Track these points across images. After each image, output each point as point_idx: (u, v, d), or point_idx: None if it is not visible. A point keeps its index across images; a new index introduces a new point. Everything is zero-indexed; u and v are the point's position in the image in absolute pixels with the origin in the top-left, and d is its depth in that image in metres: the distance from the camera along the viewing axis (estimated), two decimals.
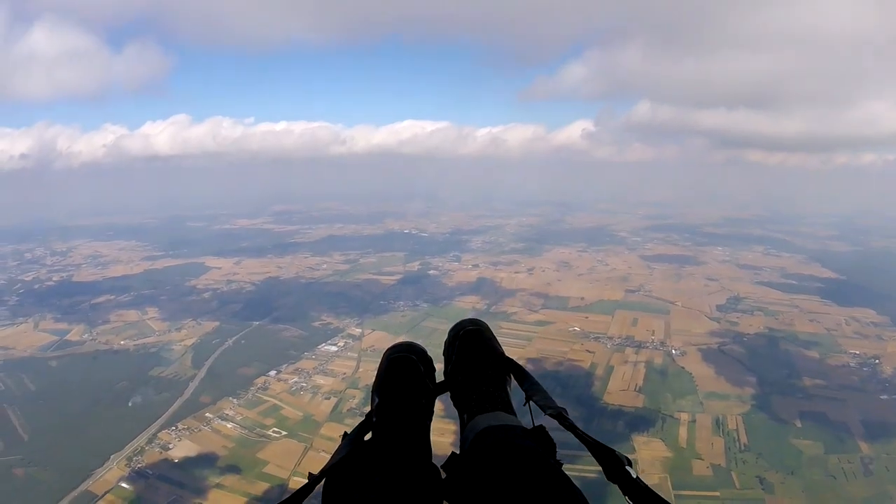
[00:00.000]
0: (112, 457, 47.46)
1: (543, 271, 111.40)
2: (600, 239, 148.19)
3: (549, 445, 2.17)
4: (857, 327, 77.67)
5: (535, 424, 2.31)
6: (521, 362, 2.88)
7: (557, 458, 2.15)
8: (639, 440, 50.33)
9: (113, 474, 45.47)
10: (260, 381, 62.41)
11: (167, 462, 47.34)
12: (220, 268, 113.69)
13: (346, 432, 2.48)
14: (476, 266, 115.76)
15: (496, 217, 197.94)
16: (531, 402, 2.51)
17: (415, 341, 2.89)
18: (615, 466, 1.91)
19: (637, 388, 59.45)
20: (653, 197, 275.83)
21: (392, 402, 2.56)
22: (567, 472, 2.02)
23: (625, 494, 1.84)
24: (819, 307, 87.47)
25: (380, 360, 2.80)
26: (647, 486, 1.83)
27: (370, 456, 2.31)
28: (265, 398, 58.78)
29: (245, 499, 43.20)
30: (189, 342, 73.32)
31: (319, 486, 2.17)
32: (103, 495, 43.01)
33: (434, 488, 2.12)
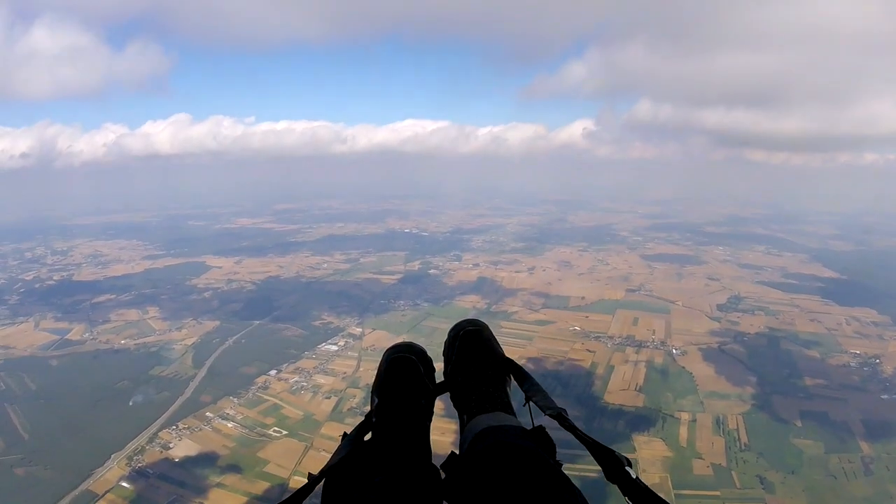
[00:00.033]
0: (112, 456, 47.50)
1: (544, 270, 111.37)
2: (601, 238, 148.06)
3: (549, 446, 2.17)
4: (858, 327, 77.62)
5: (535, 425, 2.31)
6: (521, 362, 2.88)
7: (557, 458, 2.15)
8: (639, 440, 50.31)
9: (113, 473, 45.49)
10: (260, 380, 62.45)
11: (168, 461, 47.35)
12: (220, 267, 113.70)
13: (345, 432, 2.49)
14: (477, 265, 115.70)
15: (497, 216, 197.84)
16: (531, 403, 2.51)
17: (414, 342, 2.89)
18: (615, 467, 1.92)
19: (638, 388, 59.43)
20: (654, 196, 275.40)
21: (392, 402, 2.56)
22: (567, 472, 2.02)
23: (624, 495, 1.84)
24: (820, 307, 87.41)
25: (380, 359, 2.80)
26: (646, 486, 1.83)
27: (370, 456, 2.32)
28: (266, 397, 58.82)
29: (246, 498, 43.20)
30: (190, 341, 73.36)
31: (319, 486, 2.17)
32: (104, 494, 43.01)
33: (434, 488, 2.13)
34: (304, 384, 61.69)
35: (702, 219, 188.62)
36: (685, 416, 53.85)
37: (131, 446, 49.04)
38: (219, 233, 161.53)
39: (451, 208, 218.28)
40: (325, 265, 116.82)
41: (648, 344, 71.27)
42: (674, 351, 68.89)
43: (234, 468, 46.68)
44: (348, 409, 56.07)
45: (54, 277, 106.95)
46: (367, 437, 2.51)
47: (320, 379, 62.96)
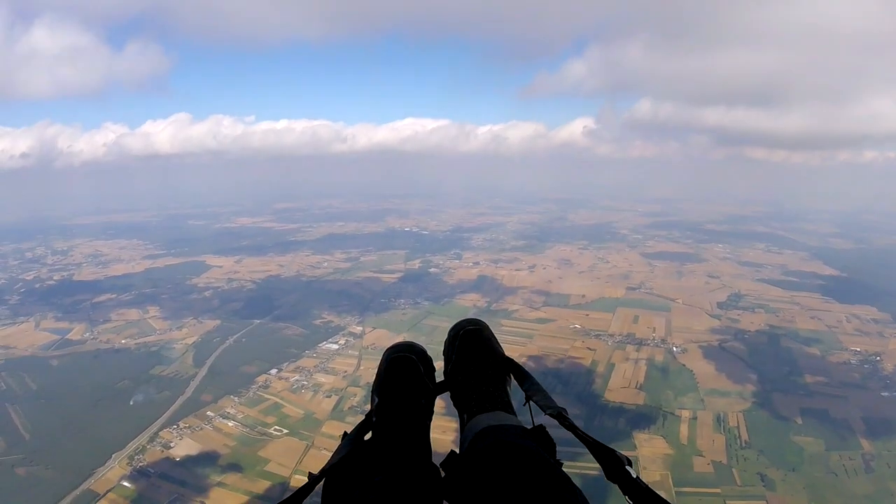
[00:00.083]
0: (113, 455, 47.58)
1: (544, 269, 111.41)
2: (601, 236, 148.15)
3: (549, 445, 2.17)
4: (859, 324, 77.66)
5: (535, 424, 2.31)
6: (521, 360, 2.88)
7: (558, 457, 2.15)
8: (640, 437, 50.35)
9: (114, 473, 45.56)
10: (261, 379, 62.50)
11: (168, 460, 47.42)
12: (221, 266, 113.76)
13: (345, 432, 2.49)
14: (477, 263, 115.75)
15: (497, 214, 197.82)
16: (531, 402, 2.51)
17: (415, 341, 2.89)
18: (615, 466, 1.92)
19: (638, 386, 59.48)
20: (654, 194, 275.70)
21: (392, 402, 2.56)
22: (567, 471, 2.03)
23: (625, 494, 1.84)
24: (820, 304, 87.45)
25: (380, 358, 2.80)
26: (647, 485, 1.83)
27: (370, 456, 2.32)
28: (266, 396, 58.88)
29: (246, 497, 43.26)
30: (190, 340, 73.42)
31: (320, 486, 2.17)
32: (105, 494, 43.08)
33: (434, 488, 2.13)
34: (305, 383, 61.77)
35: (702, 217, 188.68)
36: (686, 414, 53.90)
37: (132, 446, 49.12)
38: (219, 232, 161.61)
39: (451, 207, 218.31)
40: (326, 264, 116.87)
41: (649, 342, 71.31)
42: (674, 349, 68.94)
43: (234, 467, 46.74)
44: (349, 408, 56.15)
45: (55, 277, 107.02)
46: (368, 436, 2.51)
47: (321, 378, 63.02)
